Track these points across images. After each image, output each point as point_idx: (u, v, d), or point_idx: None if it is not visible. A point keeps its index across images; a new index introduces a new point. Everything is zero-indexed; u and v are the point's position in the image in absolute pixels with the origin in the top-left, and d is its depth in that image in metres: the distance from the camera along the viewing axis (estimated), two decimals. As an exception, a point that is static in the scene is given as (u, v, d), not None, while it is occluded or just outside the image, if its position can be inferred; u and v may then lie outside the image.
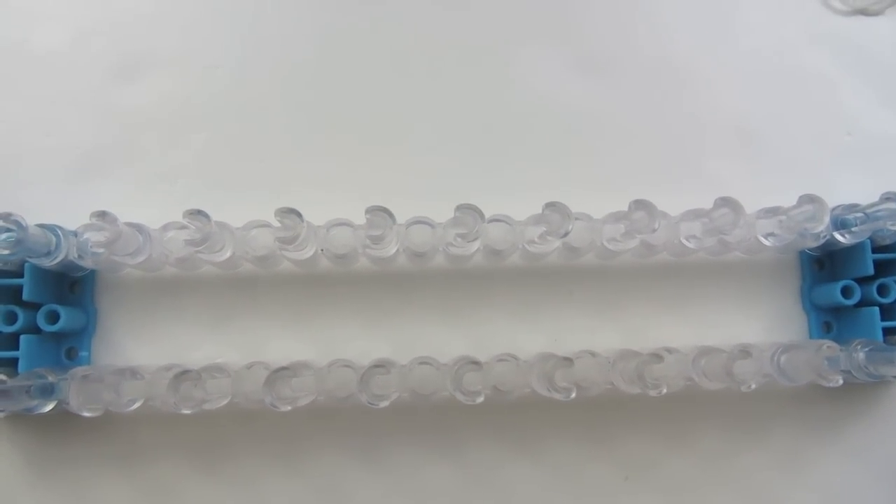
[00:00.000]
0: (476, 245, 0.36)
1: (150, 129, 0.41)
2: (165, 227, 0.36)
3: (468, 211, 0.34)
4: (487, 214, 0.36)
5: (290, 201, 0.41)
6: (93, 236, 0.35)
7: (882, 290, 0.38)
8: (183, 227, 0.36)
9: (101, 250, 0.34)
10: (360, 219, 0.36)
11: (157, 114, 0.41)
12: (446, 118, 0.42)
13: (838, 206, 0.39)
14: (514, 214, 0.37)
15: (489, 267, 0.40)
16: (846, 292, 0.39)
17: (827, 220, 0.35)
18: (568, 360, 0.33)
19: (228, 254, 0.36)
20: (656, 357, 0.34)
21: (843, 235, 0.37)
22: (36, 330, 0.37)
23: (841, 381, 0.34)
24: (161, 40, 0.42)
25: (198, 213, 0.34)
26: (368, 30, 0.43)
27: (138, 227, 0.36)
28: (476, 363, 0.33)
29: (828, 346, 0.34)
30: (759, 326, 0.41)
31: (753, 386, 0.34)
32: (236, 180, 0.41)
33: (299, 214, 0.34)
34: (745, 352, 0.34)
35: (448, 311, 0.40)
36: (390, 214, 0.35)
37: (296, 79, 0.42)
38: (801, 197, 0.36)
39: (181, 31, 0.42)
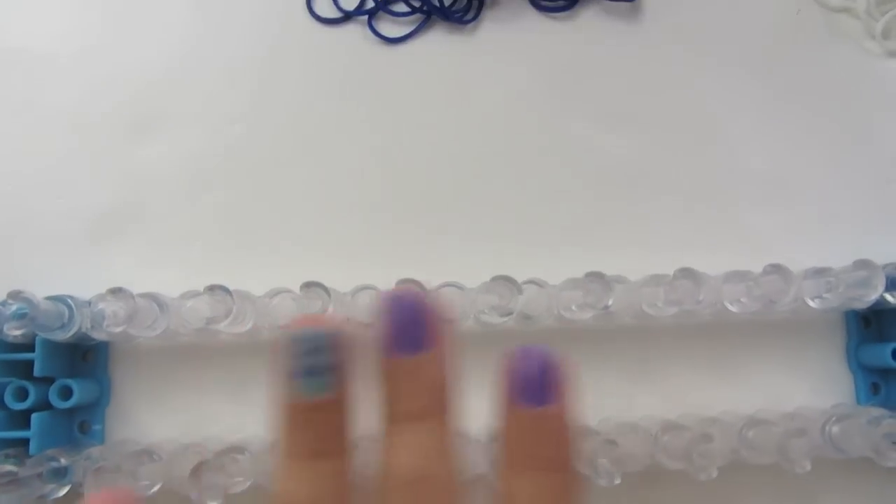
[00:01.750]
0: (509, 318, 0.34)
1: (166, 188, 0.39)
2: (184, 296, 0.35)
3: (503, 282, 0.33)
4: (520, 273, 0.35)
5: (310, 261, 0.39)
6: (108, 308, 0.33)
7: (935, 353, 0.36)
8: (202, 295, 0.34)
9: (119, 329, 0.32)
10: (385, 280, 0.35)
11: (173, 173, 0.39)
12: (472, 176, 0.40)
13: (889, 265, 0.37)
14: (547, 271, 0.35)
15: (518, 329, 0.38)
16: (897, 355, 0.37)
17: (881, 287, 0.33)
18: (612, 443, 0.31)
19: (250, 325, 0.34)
20: (706, 437, 0.32)
21: (893, 297, 0.36)
22: (47, 405, 0.35)
23: (901, 462, 0.32)
24: (174, 97, 0.40)
25: (219, 289, 0.32)
26: (389, 87, 0.41)
27: (155, 298, 0.34)
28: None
29: (888, 424, 0.32)
30: (803, 387, 0.39)
31: (809, 467, 0.32)
32: (255, 241, 0.39)
33: (325, 288, 0.33)
34: (800, 430, 0.32)
35: (476, 374, 0.38)
36: (420, 285, 0.33)
37: (314, 136, 0.40)
38: (855, 262, 0.34)
39: (195, 86, 0.40)
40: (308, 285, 0.32)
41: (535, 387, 0.20)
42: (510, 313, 0.33)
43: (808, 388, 0.39)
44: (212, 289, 0.32)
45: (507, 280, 0.32)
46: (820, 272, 0.36)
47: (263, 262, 0.38)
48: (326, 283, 0.34)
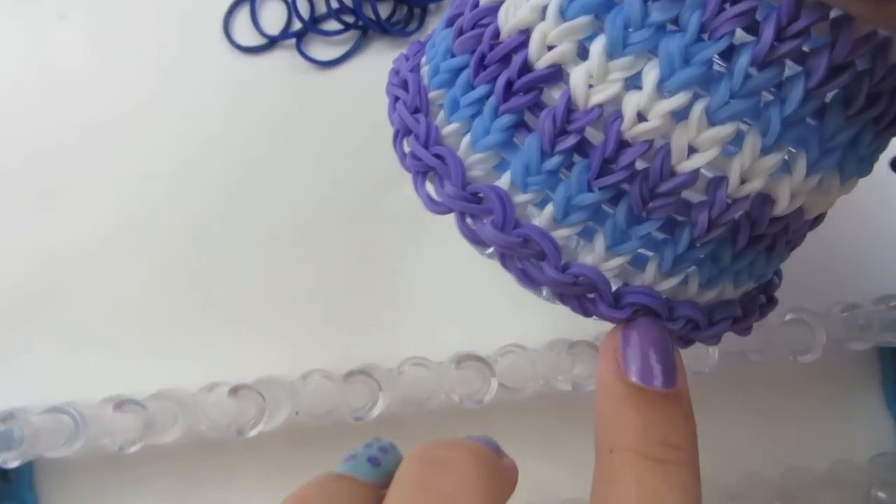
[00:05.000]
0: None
1: (80, 265, 0.33)
2: (105, 401, 0.30)
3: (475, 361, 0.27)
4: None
5: (241, 338, 0.34)
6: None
7: None
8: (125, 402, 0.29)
9: (16, 463, 0.27)
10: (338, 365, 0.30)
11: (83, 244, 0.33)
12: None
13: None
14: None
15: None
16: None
17: None
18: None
19: (178, 435, 0.29)
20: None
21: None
22: (-35, 538, 0.30)
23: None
24: (80, 160, 0.34)
25: (131, 403, 0.27)
26: (326, 117, 0.35)
27: (66, 411, 0.29)
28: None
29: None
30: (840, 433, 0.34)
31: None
32: (181, 315, 0.33)
33: (261, 394, 0.27)
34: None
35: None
36: (372, 377, 0.27)
37: (245, 182, 0.34)
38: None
39: (102, 145, 0.34)
40: (236, 389, 0.27)
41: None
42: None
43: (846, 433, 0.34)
44: (120, 404, 0.26)
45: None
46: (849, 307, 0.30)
47: (192, 337, 0.33)
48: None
